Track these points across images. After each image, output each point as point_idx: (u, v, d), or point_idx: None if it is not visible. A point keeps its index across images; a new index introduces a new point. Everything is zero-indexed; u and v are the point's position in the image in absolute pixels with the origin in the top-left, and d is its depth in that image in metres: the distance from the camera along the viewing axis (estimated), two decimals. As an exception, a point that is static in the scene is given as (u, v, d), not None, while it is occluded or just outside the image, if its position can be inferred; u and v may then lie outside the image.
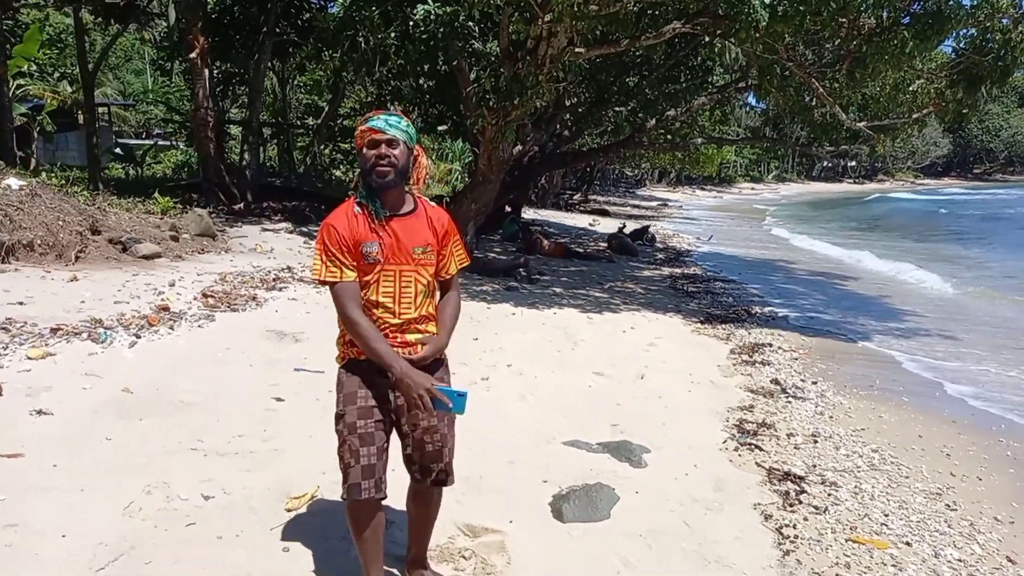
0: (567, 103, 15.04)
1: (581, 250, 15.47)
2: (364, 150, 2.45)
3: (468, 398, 2.45)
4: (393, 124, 2.46)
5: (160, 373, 5.02)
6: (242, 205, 16.28)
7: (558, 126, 16.43)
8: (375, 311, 2.50)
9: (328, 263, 2.46)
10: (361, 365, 2.53)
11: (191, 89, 17.35)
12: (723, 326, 8.56)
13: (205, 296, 7.35)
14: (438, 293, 2.68)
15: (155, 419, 4.29)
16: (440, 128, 18.69)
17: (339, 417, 2.50)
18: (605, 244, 16.91)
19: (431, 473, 2.63)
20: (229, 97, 21.93)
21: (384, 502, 2.54)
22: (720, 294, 11.16)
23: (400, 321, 2.52)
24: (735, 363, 6.92)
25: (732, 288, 11.82)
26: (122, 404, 4.43)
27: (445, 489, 2.74)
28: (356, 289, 2.48)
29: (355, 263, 2.47)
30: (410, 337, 2.55)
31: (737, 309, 9.80)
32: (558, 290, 10.40)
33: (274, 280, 8.44)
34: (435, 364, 2.61)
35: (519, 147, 11.28)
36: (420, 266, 2.53)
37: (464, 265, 2.72)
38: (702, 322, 8.78)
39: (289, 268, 9.27)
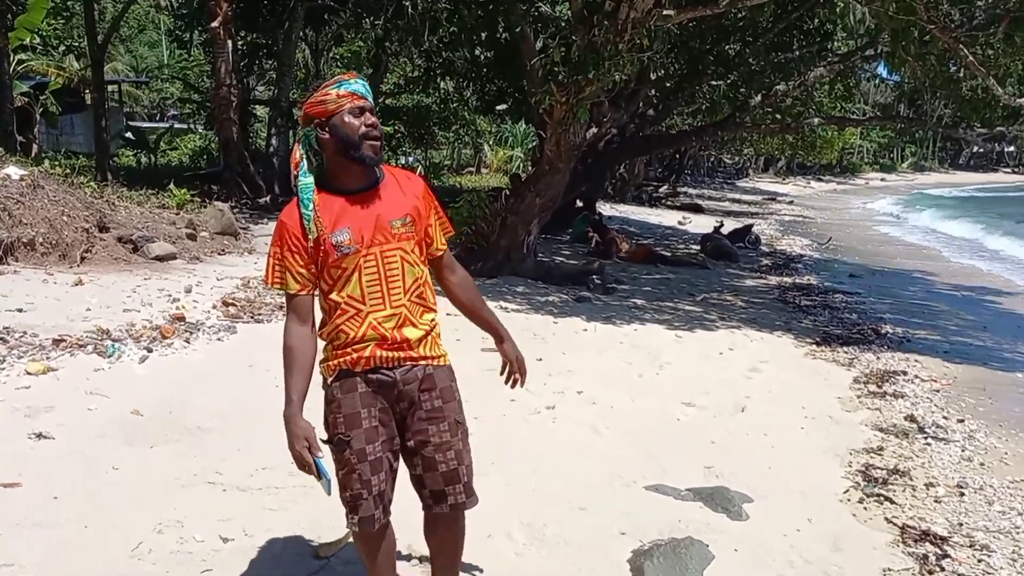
0: (652, 76, 14.94)
1: (668, 254, 15.34)
2: (347, 118, 2.41)
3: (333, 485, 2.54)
4: (370, 89, 2.52)
5: (174, 393, 5.20)
6: (268, 198, 16.72)
7: (641, 104, 16.35)
8: (361, 307, 2.49)
9: (275, 266, 2.53)
10: (354, 376, 2.54)
11: (212, 64, 17.93)
12: (844, 349, 8.36)
13: (226, 304, 7.58)
14: (430, 278, 2.65)
15: (168, 446, 4.44)
16: (499, 108, 18.85)
17: (344, 443, 2.53)
18: (698, 247, 16.74)
19: (445, 498, 2.59)
20: (255, 73, 22.60)
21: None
22: (841, 309, 10.89)
23: (392, 313, 2.50)
24: (860, 394, 6.75)
25: (855, 303, 11.51)
26: (131, 428, 4.60)
27: (503, 541, 2.75)
28: (303, 302, 2.53)
29: (308, 266, 2.49)
30: (409, 333, 2.52)
31: (862, 328, 9.55)
32: (639, 302, 10.34)
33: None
34: (427, 387, 2.58)
35: (594, 130, 11.25)
36: (403, 241, 2.51)
37: (449, 235, 2.72)
38: (818, 343, 8.60)
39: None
